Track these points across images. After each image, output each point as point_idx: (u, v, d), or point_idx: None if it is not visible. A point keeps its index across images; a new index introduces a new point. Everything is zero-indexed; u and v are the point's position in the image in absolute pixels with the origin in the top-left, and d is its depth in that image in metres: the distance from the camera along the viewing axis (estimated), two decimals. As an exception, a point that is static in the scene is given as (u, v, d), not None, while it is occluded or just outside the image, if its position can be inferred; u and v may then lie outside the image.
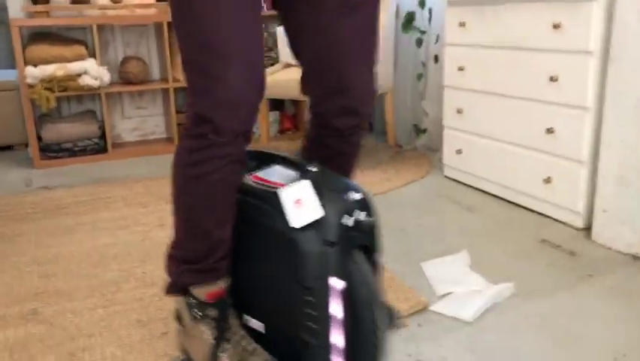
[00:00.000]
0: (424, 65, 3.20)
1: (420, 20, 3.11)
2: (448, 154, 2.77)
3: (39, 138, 3.35)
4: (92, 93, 3.38)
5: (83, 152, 3.42)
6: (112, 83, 3.46)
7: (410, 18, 3.07)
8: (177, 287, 1.22)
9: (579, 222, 2.12)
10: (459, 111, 2.62)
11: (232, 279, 1.23)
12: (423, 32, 3.10)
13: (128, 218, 2.45)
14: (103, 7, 3.33)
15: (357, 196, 1.11)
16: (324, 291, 1.06)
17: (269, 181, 1.17)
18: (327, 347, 1.08)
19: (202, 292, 1.19)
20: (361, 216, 1.10)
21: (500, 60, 2.35)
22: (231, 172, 1.12)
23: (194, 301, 1.20)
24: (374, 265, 1.15)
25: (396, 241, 2.12)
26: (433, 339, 1.47)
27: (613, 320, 1.54)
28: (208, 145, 1.08)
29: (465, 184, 2.69)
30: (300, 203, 1.09)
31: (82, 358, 1.46)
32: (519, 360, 1.38)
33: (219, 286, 1.19)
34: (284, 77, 3.07)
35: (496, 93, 2.40)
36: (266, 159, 1.25)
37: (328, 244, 1.06)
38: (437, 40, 3.07)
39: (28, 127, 3.29)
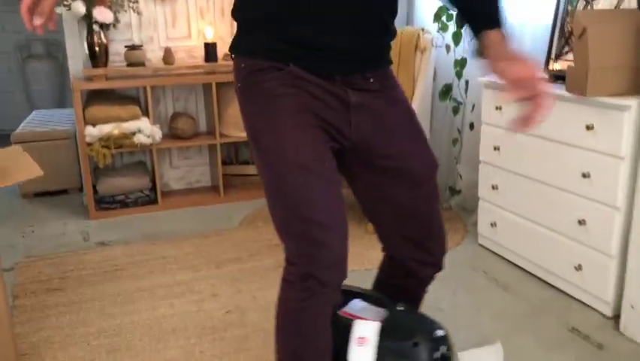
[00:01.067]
0: (459, 131, 3.34)
1: (456, 90, 3.25)
2: (482, 225, 2.90)
3: (94, 190, 3.58)
4: (145, 150, 3.60)
5: (135, 203, 3.63)
6: (162, 137, 3.66)
7: (447, 89, 3.21)
8: None
9: (608, 311, 2.24)
10: (494, 187, 2.76)
11: None
12: (459, 103, 3.24)
13: (182, 284, 2.64)
14: (156, 70, 3.54)
15: (441, 333, 1.33)
16: None
17: (357, 316, 1.36)
18: None
19: None
20: (444, 350, 1.33)
21: (535, 147, 2.48)
22: (330, 311, 1.30)
23: None
24: None
25: (433, 322, 2.26)
26: None
27: None
28: (314, 295, 1.24)
29: (499, 256, 2.82)
30: (364, 341, 1.27)
31: None
32: None
33: None
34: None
35: (530, 177, 2.53)
36: (347, 294, 1.44)
37: None
38: (473, 109, 3.21)
39: (85, 181, 3.52)
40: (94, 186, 3.59)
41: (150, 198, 3.67)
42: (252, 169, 3.96)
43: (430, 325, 1.34)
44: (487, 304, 2.41)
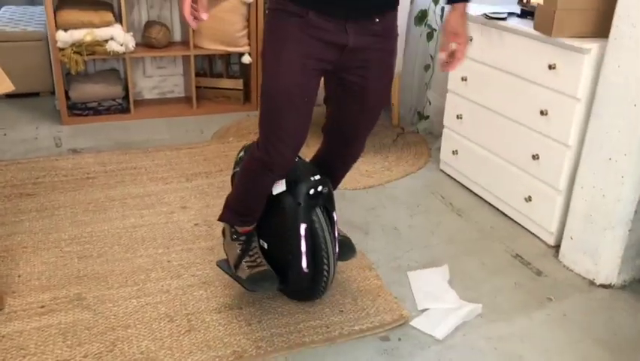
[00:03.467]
0: (432, 57, 3.38)
1: (432, 16, 3.26)
2: (445, 152, 3.01)
3: (66, 95, 3.58)
4: (118, 57, 3.57)
5: (107, 111, 3.65)
6: (136, 45, 3.62)
7: (423, 15, 3.22)
8: (226, 221, 2.01)
9: (551, 241, 2.41)
10: (458, 117, 2.85)
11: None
12: (433, 29, 3.25)
13: (152, 195, 2.73)
14: (130, -25, 3.45)
15: (317, 177, 1.88)
16: (297, 231, 1.86)
17: None
18: (298, 260, 1.88)
19: (239, 228, 1.99)
20: (319, 188, 1.87)
21: (499, 81, 2.55)
22: (271, 182, 1.86)
23: (234, 230, 2.00)
24: (330, 217, 1.93)
25: (390, 242, 2.42)
26: (409, 356, 1.80)
27: (555, 348, 1.86)
28: (264, 173, 1.80)
29: (458, 182, 2.96)
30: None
31: (122, 348, 1.79)
32: (475, 381, 1.71)
33: (250, 227, 1.99)
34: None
35: (492, 109, 2.62)
36: None
37: (298, 204, 1.85)
38: (447, 36, 3.23)
39: (57, 85, 3.52)
40: (66, 92, 3.58)
41: (123, 106, 3.68)
42: (225, 82, 3.96)
43: (313, 172, 1.89)
44: (440, 227, 2.56)
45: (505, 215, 2.65)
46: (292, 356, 1.79)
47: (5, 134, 3.39)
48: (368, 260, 2.29)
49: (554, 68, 2.25)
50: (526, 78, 2.41)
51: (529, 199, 2.47)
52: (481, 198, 2.80)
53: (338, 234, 2.00)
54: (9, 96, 3.95)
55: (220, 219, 2.03)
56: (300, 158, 1.92)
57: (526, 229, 2.54)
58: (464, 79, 2.77)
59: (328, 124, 1.93)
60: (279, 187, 1.87)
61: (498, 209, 2.69)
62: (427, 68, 3.40)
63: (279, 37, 1.64)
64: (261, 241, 2.01)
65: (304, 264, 1.87)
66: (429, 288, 2.11)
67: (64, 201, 2.65)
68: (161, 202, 2.67)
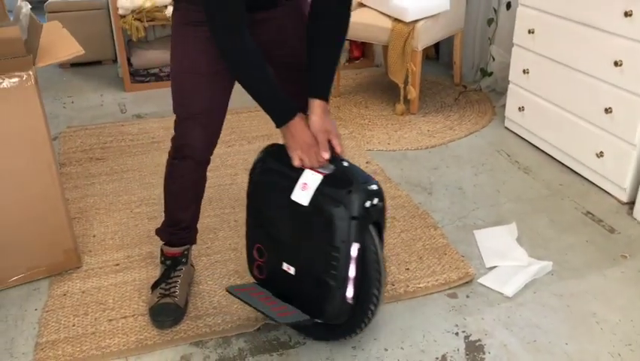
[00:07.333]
0: (495, 10, 3.25)
1: (496, -33, 3.13)
2: (510, 109, 2.92)
3: (128, 62, 3.65)
4: (176, 22, 3.61)
5: (168, 77, 3.70)
6: (193, 10, 3.64)
7: (486, -34, 3.10)
8: (157, 235, 1.91)
9: (624, 197, 2.32)
10: (525, 71, 2.75)
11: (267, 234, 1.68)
12: (498, -19, 3.13)
13: (216, 158, 2.73)
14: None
15: (374, 187, 1.53)
16: (347, 252, 1.49)
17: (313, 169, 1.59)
18: (342, 288, 1.52)
19: (165, 248, 1.87)
20: (375, 201, 1.53)
21: (569, 31, 2.44)
22: (196, 176, 1.84)
23: (161, 251, 1.88)
24: (380, 235, 1.59)
25: (455, 202, 2.38)
26: (478, 313, 1.78)
27: (631, 306, 1.80)
28: (178, 166, 1.77)
29: (523, 139, 2.87)
30: (306, 187, 1.55)
31: (195, 303, 1.85)
32: (545, 339, 1.68)
33: (175, 250, 1.86)
34: (357, 19, 3.20)
35: (562, 62, 2.51)
36: None
37: (352, 218, 1.48)
38: (511, -12, 3.11)
39: (119, 53, 3.59)
40: (128, 59, 3.66)
41: (183, 71, 3.73)
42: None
43: (367, 179, 1.54)
44: (506, 185, 2.51)
45: (575, 172, 2.56)
46: (360, 312, 1.80)
47: (73, 102, 3.50)
48: (432, 219, 2.26)
49: (630, 15, 2.13)
50: (598, 27, 2.29)
51: (600, 155, 2.37)
52: (548, 155, 2.71)
53: None
54: (73, 65, 4.07)
55: (157, 234, 1.91)
56: (348, 162, 1.59)
57: (597, 185, 2.45)
58: (531, 31, 2.66)
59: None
60: (306, 194, 1.54)
61: (567, 166, 2.61)
62: (490, 22, 3.28)
63: (183, 34, 1.68)
64: (286, 265, 1.62)
65: (349, 293, 1.51)
66: (496, 246, 2.08)
67: (132, 165, 2.72)
68: (225, 164, 2.71)
